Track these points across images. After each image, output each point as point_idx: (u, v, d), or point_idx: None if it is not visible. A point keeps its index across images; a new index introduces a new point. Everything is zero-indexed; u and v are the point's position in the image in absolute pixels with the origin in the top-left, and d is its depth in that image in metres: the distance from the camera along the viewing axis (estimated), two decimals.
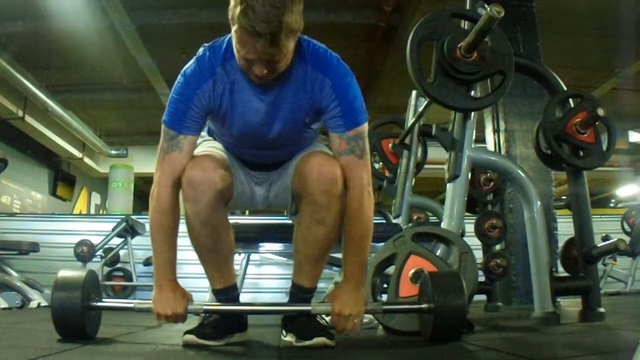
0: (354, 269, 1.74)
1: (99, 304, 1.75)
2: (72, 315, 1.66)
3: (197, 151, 1.79)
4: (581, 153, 2.51)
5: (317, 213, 1.71)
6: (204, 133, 1.92)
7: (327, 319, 1.89)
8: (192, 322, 1.80)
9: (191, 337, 1.67)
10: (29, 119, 9.61)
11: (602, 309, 2.40)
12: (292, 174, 1.84)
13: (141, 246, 5.86)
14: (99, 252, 5.63)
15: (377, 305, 1.85)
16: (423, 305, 1.74)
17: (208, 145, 1.88)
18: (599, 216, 6.00)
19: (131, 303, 1.80)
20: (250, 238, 2.78)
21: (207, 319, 1.77)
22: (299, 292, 1.83)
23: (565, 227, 3.29)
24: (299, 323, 1.76)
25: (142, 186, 13.04)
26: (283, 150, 1.88)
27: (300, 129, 1.79)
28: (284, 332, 1.82)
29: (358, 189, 1.72)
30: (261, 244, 2.96)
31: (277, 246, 2.91)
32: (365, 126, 1.76)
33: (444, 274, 1.95)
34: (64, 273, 1.73)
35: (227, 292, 1.83)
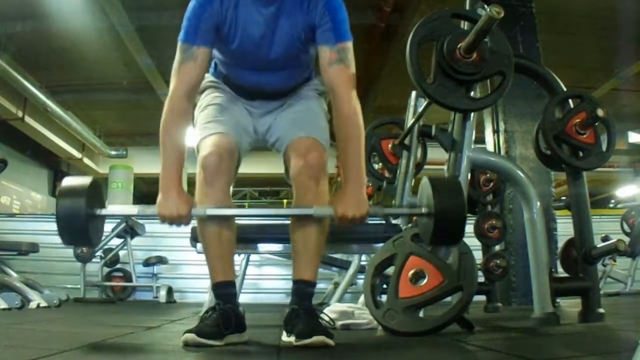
0: (353, 171, 1.82)
1: (103, 211, 1.79)
2: (76, 223, 1.69)
3: (205, 120, 1.92)
4: (581, 154, 2.51)
5: (308, 194, 1.81)
6: (208, 76, 2.02)
7: (327, 319, 1.89)
8: (192, 322, 1.79)
9: (191, 336, 1.67)
10: (28, 120, 9.62)
11: (601, 310, 2.40)
12: (284, 146, 1.93)
13: (141, 247, 5.87)
14: (99, 253, 5.63)
15: (378, 208, 1.87)
16: (423, 210, 1.79)
17: (214, 116, 1.94)
18: (598, 217, 6.00)
19: (135, 209, 1.83)
20: (250, 239, 2.79)
21: (207, 318, 1.77)
22: (301, 287, 1.86)
23: (565, 228, 3.30)
24: (299, 322, 1.75)
25: (142, 187, 13.05)
26: (280, 75, 1.96)
27: (296, 48, 1.90)
28: (285, 333, 1.82)
29: (348, 94, 1.84)
30: (260, 244, 2.96)
31: (276, 246, 2.91)
32: (351, 45, 1.88)
33: (443, 179, 1.99)
34: (69, 181, 1.78)
35: (226, 286, 1.85)
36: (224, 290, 1.84)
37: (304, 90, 2.04)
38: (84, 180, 1.76)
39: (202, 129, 1.92)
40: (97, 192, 1.80)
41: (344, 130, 1.84)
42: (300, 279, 1.86)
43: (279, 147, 1.99)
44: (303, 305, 1.81)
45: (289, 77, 1.99)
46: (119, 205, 1.95)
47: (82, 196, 1.70)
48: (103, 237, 5.50)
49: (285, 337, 1.80)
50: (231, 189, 1.92)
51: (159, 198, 1.77)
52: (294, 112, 1.98)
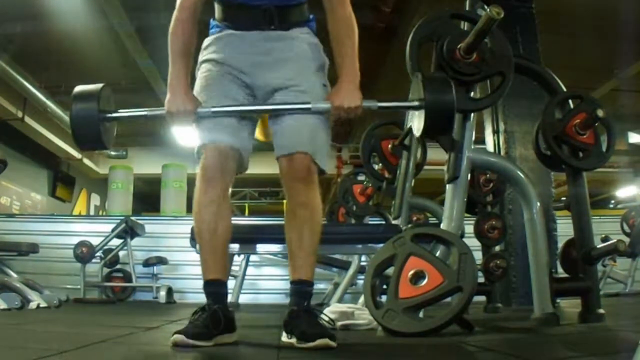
0: (348, 68, 1.92)
1: (114, 114, 1.88)
2: (90, 124, 1.81)
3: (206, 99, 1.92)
4: (581, 154, 2.51)
5: (299, 196, 1.88)
6: (207, 43, 2.03)
7: (327, 319, 1.89)
8: (183, 323, 1.79)
9: (180, 338, 1.67)
10: (28, 120, 9.62)
11: (601, 310, 2.40)
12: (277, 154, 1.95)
13: (140, 247, 5.87)
14: (99, 253, 5.62)
15: (373, 102, 1.90)
16: (414, 103, 1.88)
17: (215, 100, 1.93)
18: (598, 217, 6.00)
19: (144, 111, 1.94)
20: (249, 239, 2.79)
21: (197, 319, 1.76)
22: (299, 287, 1.87)
23: (565, 228, 3.29)
24: (300, 324, 1.75)
25: (142, 187, 13.03)
26: None
27: None
28: (285, 334, 1.81)
29: (345, 8, 1.93)
30: (259, 245, 2.96)
31: (275, 247, 2.91)
32: None
33: (433, 74, 2.10)
34: (81, 87, 1.87)
35: (218, 285, 1.85)
36: (215, 289, 1.85)
37: (310, 69, 1.97)
38: (96, 86, 1.86)
39: (201, 131, 1.91)
40: (108, 96, 1.90)
41: (338, 31, 1.94)
42: (297, 279, 1.87)
43: (276, 148, 1.97)
44: (303, 306, 1.81)
45: None
46: (129, 110, 1.98)
47: (94, 99, 1.81)
48: (103, 238, 5.57)
49: (285, 339, 1.79)
50: (230, 189, 1.93)
51: (168, 96, 1.87)
52: (296, 120, 1.92)
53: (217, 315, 1.75)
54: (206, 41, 2.05)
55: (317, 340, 1.65)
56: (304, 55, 1.97)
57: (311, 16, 2.04)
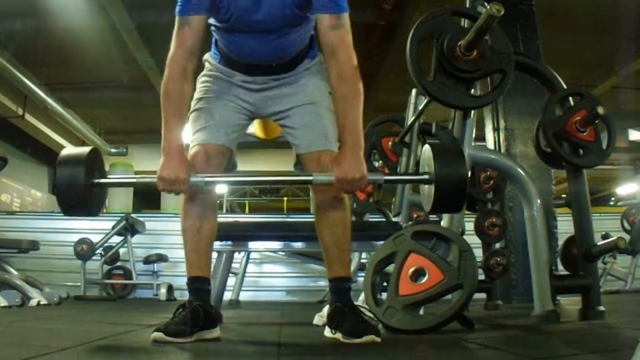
0: (352, 134, 1.82)
1: (102, 180, 1.82)
2: (75, 191, 1.73)
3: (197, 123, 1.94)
4: (581, 151, 2.51)
5: (329, 193, 1.88)
6: (207, 60, 2.04)
7: (370, 315, 1.92)
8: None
9: (159, 335, 1.68)
10: (28, 117, 9.63)
11: (602, 308, 2.40)
12: (302, 152, 1.95)
13: (141, 244, 5.87)
14: (99, 251, 5.63)
15: (378, 174, 1.87)
16: (424, 177, 1.79)
17: (202, 124, 1.94)
18: (598, 214, 6.01)
19: (134, 178, 1.86)
20: (249, 236, 2.79)
21: (177, 316, 1.77)
22: (338, 284, 1.91)
23: (565, 226, 3.29)
24: (346, 320, 1.78)
25: (142, 185, 13.03)
26: (274, 43, 1.90)
27: (288, 9, 1.84)
28: (329, 329, 1.84)
29: (350, 57, 1.84)
30: (260, 242, 2.95)
31: (276, 244, 2.91)
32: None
33: (445, 145, 2.01)
34: (67, 151, 1.82)
35: (201, 282, 1.88)
36: (197, 285, 1.88)
37: (311, 81, 2.00)
38: (83, 150, 1.80)
39: (192, 135, 1.95)
40: (96, 161, 1.83)
41: (343, 92, 1.85)
42: (335, 277, 1.92)
43: (295, 148, 2.00)
44: (346, 303, 1.86)
45: (284, 46, 1.93)
46: (117, 176, 1.93)
47: (81, 165, 1.74)
48: (103, 235, 5.57)
49: (329, 334, 1.83)
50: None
51: (161, 161, 1.79)
52: (308, 117, 1.96)
53: (197, 312, 1.76)
54: (208, 60, 2.05)
55: (364, 337, 1.70)
56: (310, 81, 2.00)
57: (312, 39, 2.02)
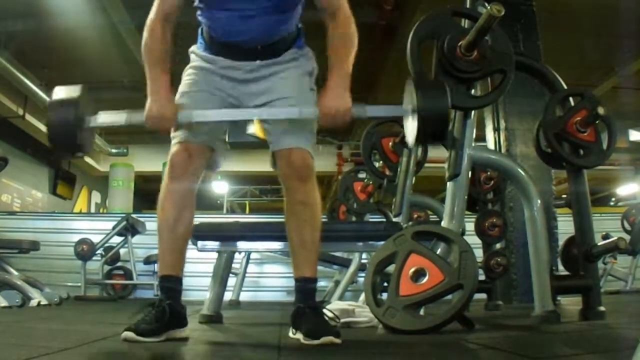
0: (339, 70, 1.85)
1: (91, 123, 1.85)
2: (66, 132, 1.78)
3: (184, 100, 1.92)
4: (581, 152, 2.51)
5: (298, 193, 1.89)
6: (193, 52, 2.02)
7: (331, 315, 1.92)
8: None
9: (130, 334, 1.68)
10: (29, 118, 9.62)
11: (602, 308, 2.40)
12: (273, 148, 1.93)
13: (141, 245, 5.87)
14: (99, 251, 5.63)
15: (361, 107, 1.88)
16: (407, 109, 1.83)
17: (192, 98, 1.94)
18: (599, 215, 6.00)
19: (124, 113, 1.89)
20: (250, 236, 2.79)
21: (147, 315, 1.77)
22: (303, 284, 1.90)
23: (566, 226, 3.29)
24: (306, 321, 1.78)
25: (143, 185, 13.04)
26: (259, 20, 1.87)
27: None
28: (292, 329, 1.86)
29: (348, 16, 1.87)
30: (260, 242, 2.96)
31: (276, 244, 2.91)
32: None
33: (426, 79, 2.07)
34: (59, 91, 1.84)
35: (172, 281, 1.87)
36: (169, 284, 1.87)
37: (293, 75, 1.96)
38: (75, 89, 1.83)
39: (173, 132, 1.92)
40: (86, 99, 1.85)
41: (337, 43, 1.87)
42: (301, 277, 1.91)
43: (270, 144, 1.97)
44: (308, 303, 1.85)
45: (268, 24, 1.90)
46: (108, 112, 1.92)
47: (72, 103, 1.78)
48: (103, 236, 5.58)
49: (292, 334, 1.84)
50: (196, 188, 1.94)
51: (148, 102, 1.83)
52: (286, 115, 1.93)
53: (166, 311, 1.77)
54: (194, 52, 2.03)
55: (322, 338, 1.69)
56: (293, 74, 1.96)
57: (299, 31, 2.00)
